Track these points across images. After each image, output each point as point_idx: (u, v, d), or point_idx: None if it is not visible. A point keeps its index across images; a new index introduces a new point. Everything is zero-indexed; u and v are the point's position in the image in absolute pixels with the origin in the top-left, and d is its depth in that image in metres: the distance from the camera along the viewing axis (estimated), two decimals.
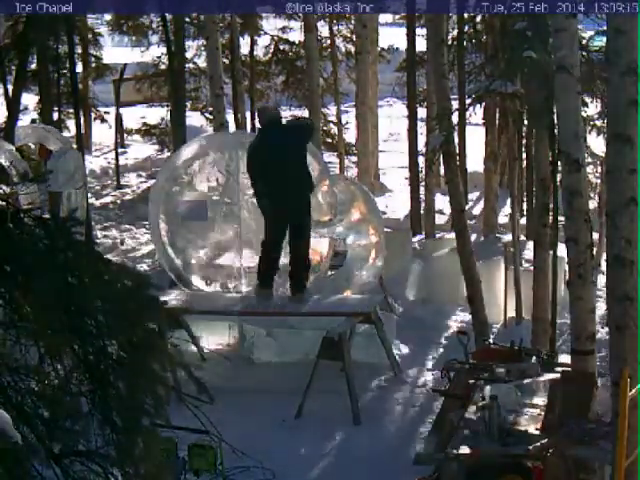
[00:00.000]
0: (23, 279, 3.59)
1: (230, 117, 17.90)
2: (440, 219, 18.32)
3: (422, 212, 17.58)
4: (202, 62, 22.67)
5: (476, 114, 11.94)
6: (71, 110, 19.80)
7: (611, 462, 6.19)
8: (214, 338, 10.96)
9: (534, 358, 8.54)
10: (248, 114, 22.64)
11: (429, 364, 11.08)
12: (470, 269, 10.94)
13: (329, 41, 23.51)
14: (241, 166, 11.87)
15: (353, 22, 22.01)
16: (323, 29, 23.17)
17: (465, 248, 10.98)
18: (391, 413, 9.78)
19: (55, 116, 18.93)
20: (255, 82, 24.24)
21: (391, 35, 25.00)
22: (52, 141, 16.33)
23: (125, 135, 25.97)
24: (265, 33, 24.39)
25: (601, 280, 11.31)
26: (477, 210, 19.46)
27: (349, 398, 9.33)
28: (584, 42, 10.05)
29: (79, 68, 22.71)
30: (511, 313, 12.47)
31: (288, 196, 10.26)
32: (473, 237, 13.11)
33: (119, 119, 24.07)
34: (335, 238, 11.76)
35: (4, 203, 3.80)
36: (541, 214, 10.92)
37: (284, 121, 11.12)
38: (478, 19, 17.61)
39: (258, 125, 10.98)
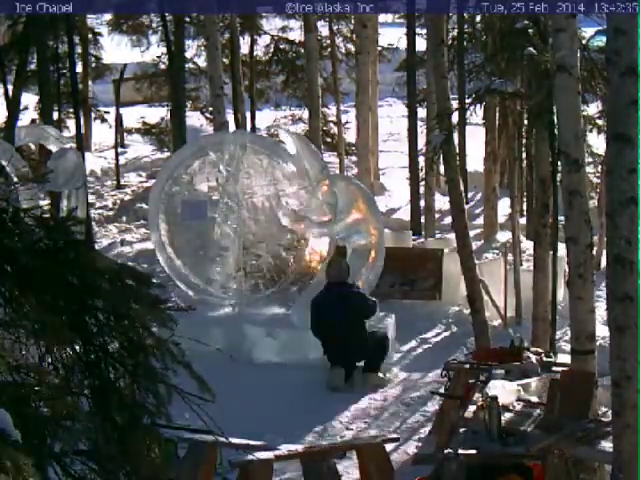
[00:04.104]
0: (23, 278, 3.59)
1: (230, 117, 17.89)
2: (440, 219, 18.34)
3: (422, 212, 17.59)
4: (202, 62, 22.65)
5: (476, 114, 11.92)
6: (71, 110, 19.79)
7: (611, 462, 6.20)
8: (214, 337, 10.95)
9: (534, 358, 8.55)
10: (248, 114, 22.64)
11: (429, 364, 11.07)
12: (470, 269, 10.93)
13: (329, 41, 23.50)
14: (241, 166, 11.88)
15: (353, 22, 22.02)
16: (323, 29, 23.17)
17: (465, 248, 10.98)
18: (391, 413, 9.78)
19: (55, 116, 18.91)
20: (255, 82, 24.23)
21: (391, 35, 24.98)
22: (52, 141, 16.34)
23: (125, 135, 25.96)
24: (265, 33, 24.38)
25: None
26: (477, 210, 19.46)
27: None
28: (584, 42, 10.04)
29: (79, 68, 22.69)
30: (511, 313, 12.49)
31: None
32: (473, 237, 13.09)
33: (119, 119, 24.07)
34: (335, 238, 11.76)
35: (4, 203, 3.80)
36: (541, 214, 10.92)
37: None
38: (478, 19, 17.60)
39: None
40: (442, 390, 9.15)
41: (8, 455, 3.09)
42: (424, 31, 19.17)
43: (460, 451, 6.54)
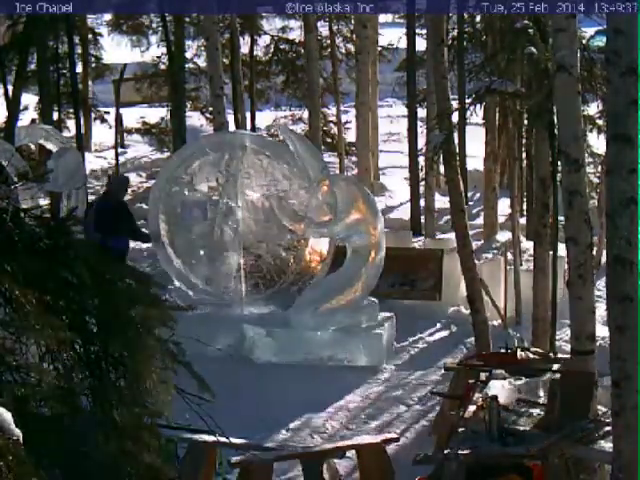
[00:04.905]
0: (23, 278, 3.59)
1: (230, 117, 17.90)
2: (440, 219, 18.33)
3: (422, 212, 17.58)
4: (202, 62, 22.68)
5: (476, 114, 11.91)
6: (71, 110, 19.81)
7: (611, 462, 6.19)
8: (214, 337, 10.95)
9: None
10: (248, 114, 22.65)
11: (428, 364, 11.07)
12: (470, 269, 10.92)
13: (329, 41, 23.51)
14: (241, 166, 11.88)
15: (353, 22, 22.02)
16: (323, 29, 23.18)
17: (465, 248, 10.97)
18: (391, 413, 9.78)
19: (55, 116, 18.92)
20: (255, 82, 24.24)
21: (391, 35, 24.99)
22: (52, 141, 16.35)
23: (125, 135, 25.97)
24: (265, 33, 24.39)
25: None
26: (477, 210, 19.46)
27: None
28: (584, 42, 10.05)
29: (79, 68, 22.70)
30: (511, 313, 12.48)
31: None
32: (473, 237, 13.08)
33: (119, 119, 24.08)
34: (335, 238, 11.75)
35: (4, 203, 3.80)
36: (541, 214, 10.92)
37: None
38: (478, 19, 17.62)
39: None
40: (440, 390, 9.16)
41: (9, 454, 3.09)
42: (424, 31, 19.17)
43: (460, 451, 6.54)
